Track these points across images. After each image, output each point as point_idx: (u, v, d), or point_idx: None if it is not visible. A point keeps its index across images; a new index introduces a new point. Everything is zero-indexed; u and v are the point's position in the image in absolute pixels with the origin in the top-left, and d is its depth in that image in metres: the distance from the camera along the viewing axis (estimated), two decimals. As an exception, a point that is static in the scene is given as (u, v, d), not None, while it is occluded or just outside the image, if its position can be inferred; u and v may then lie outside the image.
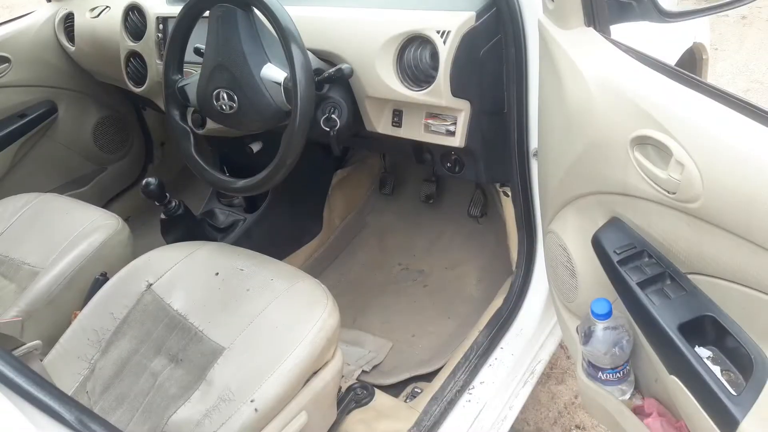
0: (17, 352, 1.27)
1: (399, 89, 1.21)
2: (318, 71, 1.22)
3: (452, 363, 1.38)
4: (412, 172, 2.15)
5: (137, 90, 1.74)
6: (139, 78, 1.74)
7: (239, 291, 1.22)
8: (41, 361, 1.28)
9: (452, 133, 1.23)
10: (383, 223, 2.11)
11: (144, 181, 1.51)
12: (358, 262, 2.01)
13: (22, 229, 1.59)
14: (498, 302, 1.48)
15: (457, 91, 1.17)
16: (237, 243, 1.71)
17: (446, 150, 1.33)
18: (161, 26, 1.60)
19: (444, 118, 1.23)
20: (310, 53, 1.19)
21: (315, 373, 1.13)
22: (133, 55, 1.71)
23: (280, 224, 1.84)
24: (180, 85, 1.28)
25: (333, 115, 1.23)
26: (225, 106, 1.20)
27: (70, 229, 1.52)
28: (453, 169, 1.38)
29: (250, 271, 1.26)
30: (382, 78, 1.21)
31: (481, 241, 1.90)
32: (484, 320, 1.45)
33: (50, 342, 1.31)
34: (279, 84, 1.16)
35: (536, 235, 1.40)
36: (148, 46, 1.64)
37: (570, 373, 1.80)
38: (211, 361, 1.12)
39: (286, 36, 1.10)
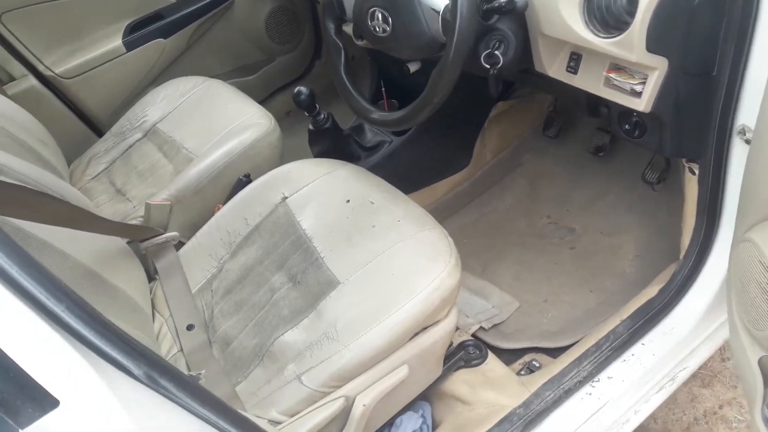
0: (158, 240, 1.37)
1: (582, 32, 0.99)
2: None
3: (581, 347, 1.24)
4: (585, 117, 1.88)
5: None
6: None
7: (365, 225, 1.17)
8: (177, 251, 1.37)
9: (638, 94, 1.00)
10: (540, 167, 1.90)
11: (295, 90, 1.48)
12: (503, 204, 1.85)
13: (186, 112, 1.65)
14: (652, 291, 1.28)
15: (653, 45, 0.93)
16: (379, 165, 1.64)
17: (627, 109, 1.10)
18: None
19: (631, 74, 1.00)
20: (482, -24, 1.00)
21: (425, 329, 1.06)
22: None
23: (426, 151, 1.73)
24: (338, -6, 1.18)
25: (497, 51, 1.05)
26: (378, 27, 1.09)
27: (226, 121, 1.55)
28: (631, 133, 1.15)
29: (380, 206, 1.20)
30: (564, 16, 1.00)
31: (651, 213, 1.64)
32: (631, 308, 1.27)
33: (193, 229, 1.38)
34: (438, 12, 1.01)
35: (718, 227, 1.16)
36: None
37: (720, 379, 1.56)
38: (325, 292, 1.10)
39: None
